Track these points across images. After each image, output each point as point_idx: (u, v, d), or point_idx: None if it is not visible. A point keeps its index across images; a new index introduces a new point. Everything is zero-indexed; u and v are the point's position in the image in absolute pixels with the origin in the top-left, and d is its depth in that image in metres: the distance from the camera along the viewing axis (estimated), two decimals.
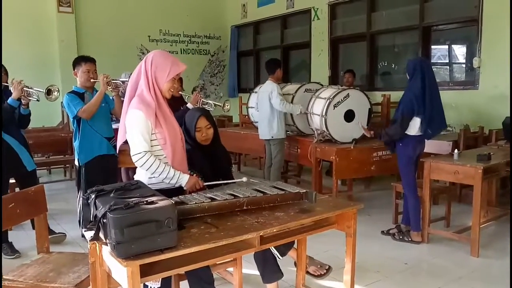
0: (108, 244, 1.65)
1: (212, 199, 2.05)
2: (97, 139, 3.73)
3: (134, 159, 2.22)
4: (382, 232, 4.07)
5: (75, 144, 3.78)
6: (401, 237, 3.90)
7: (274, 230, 1.94)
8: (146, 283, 2.29)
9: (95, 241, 1.80)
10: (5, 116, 3.46)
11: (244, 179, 2.41)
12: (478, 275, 3.27)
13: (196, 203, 2.00)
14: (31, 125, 6.52)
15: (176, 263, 1.78)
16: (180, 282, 2.58)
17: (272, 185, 2.30)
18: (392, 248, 3.75)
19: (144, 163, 2.21)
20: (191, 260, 1.82)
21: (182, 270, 1.93)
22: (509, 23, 4.98)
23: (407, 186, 3.84)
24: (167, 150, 2.32)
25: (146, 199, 1.70)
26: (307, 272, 2.77)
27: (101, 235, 1.74)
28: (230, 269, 2.90)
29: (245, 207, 2.11)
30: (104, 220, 1.64)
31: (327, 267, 2.80)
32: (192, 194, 2.20)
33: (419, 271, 3.33)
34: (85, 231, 1.86)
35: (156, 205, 1.65)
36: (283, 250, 2.57)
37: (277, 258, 2.59)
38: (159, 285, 2.31)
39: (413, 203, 3.82)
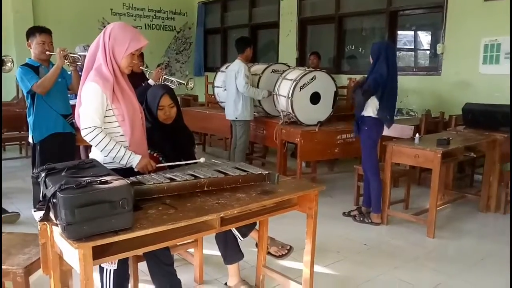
0: (59, 225, 1.57)
1: (172, 180, 1.99)
2: (52, 116, 3.54)
3: (83, 133, 2.12)
4: (344, 213, 4.13)
5: (29, 120, 3.58)
6: (361, 218, 3.97)
7: (235, 212, 1.90)
8: (102, 265, 2.22)
9: (46, 222, 1.71)
10: None
11: (202, 159, 2.35)
12: (433, 255, 3.39)
13: (154, 183, 1.93)
14: None
15: (133, 244, 1.71)
16: (139, 264, 2.52)
17: (234, 166, 2.25)
18: (353, 230, 3.82)
19: (93, 138, 2.11)
20: (149, 242, 1.76)
21: (139, 252, 1.87)
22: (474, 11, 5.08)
23: (371, 168, 3.89)
24: (125, 127, 2.22)
25: (100, 179, 1.61)
26: (268, 253, 2.76)
27: (52, 215, 1.65)
28: (191, 250, 2.87)
29: (206, 188, 2.05)
30: (54, 200, 1.55)
31: (288, 247, 2.81)
32: (151, 174, 2.12)
33: (377, 251, 3.40)
34: (34, 211, 1.76)
35: (110, 185, 1.57)
36: (245, 231, 2.55)
37: (238, 239, 2.57)
38: (116, 267, 2.25)
39: (376, 186, 3.88)
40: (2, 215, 3.83)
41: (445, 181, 4.55)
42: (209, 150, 7.29)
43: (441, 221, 3.91)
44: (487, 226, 4.00)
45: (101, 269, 2.26)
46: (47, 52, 3.53)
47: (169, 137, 2.53)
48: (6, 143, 6.74)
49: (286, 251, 2.78)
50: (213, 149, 7.33)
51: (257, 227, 2.66)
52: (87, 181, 1.58)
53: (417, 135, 3.84)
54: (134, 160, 2.21)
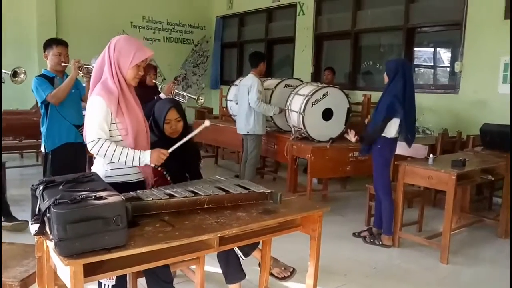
0: (52, 240, 1.54)
1: (171, 196, 1.96)
2: (65, 126, 3.58)
3: (89, 147, 2.11)
4: (354, 234, 4.03)
5: (42, 129, 3.62)
6: (372, 240, 3.86)
7: (233, 232, 1.85)
8: (100, 280, 2.19)
9: (41, 236, 1.69)
10: None
11: (207, 122, 2.36)
12: (446, 282, 3.25)
13: (153, 199, 1.90)
14: (3, 107, 6.40)
15: (129, 261, 1.68)
16: (138, 279, 2.48)
17: (237, 184, 2.21)
18: (362, 251, 3.71)
19: (99, 149, 2.08)
20: (145, 259, 1.73)
21: (133, 270, 1.83)
22: (493, 29, 4.98)
23: (383, 188, 3.80)
24: (128, 141, 2.21)
25: (95, 194, 1.59)
26: (271, 274, 2.69)
27: (48, 229, 1.63)
28: (193, 266, 2.82)
29: (206, 206, 2.01)
30: (48, 215, 1.53)
31: (291, 269, 2.73)
32: (152, 189, 2.09)
33: (387, 275, 3.29)
34: (31, 223, 1.74)
35: (104, 201, 1.55)
36: (247, 250, 2.49)
37: (240, 258, 2.51)
38: (114, 283, 2.21)
39: (387, 207, 3.78)
40: (12, 223, 3.86)
41: (462, 203, 4.40)
42: (221, 163, 7.27)
43: (455, 246, 3.77)
44: (504, 252, 3.82)
45: (99, 284, 2.22)
46: (63, 64, 3.59)
47: (174, 151, 2.50)
48: (23, 151, 6.86)
49: (289, 273, 2.71)
50: (225, 162, 7.31)
51: (260, 246, 2.60)
52: (82, 196, 1.56)
53: (431, 155, 3.73)
54: (146, 158, 2.16)
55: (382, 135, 3.68)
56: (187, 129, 2.61)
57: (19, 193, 4.72)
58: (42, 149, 3.66)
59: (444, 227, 3.53)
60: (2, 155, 5.64)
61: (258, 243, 2.54)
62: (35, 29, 7.58)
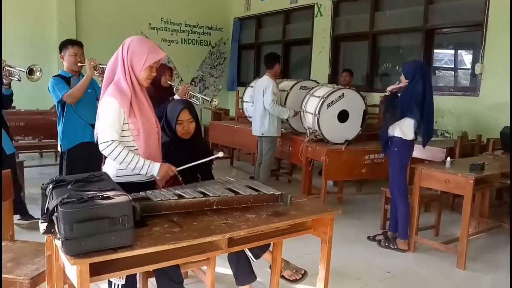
0: (59, 239, 1.55)
1: (180, 197, 1.95)
2: (81, 125, 3.62)
3: (101, 147, 2.12)
4: (368, 237, 3.97)
5: (59, 129, 3.68)
6: (387, 244, 3.79)
7: (242, 234, 1.83)
8: (111, 279, 2.20)
9: (50, 235, 1.70)
10: None
11: (220, 153, 2.44)
12: None
13: (161, 199, 1.89)
14: (25, 107, 6.54)
15: (136, 261, 1.68)
16: (149, 279, 2.48)
17: (247, 185, 2.19)
18: (377, 255, 3.65)
19: (111, 152, 2.10)
20: (153, 260, 1.72)
21: (141, 270, 1.84)
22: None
23: (399, 192, 3.73)
24: (139, 142, 2.21)
25: (102, 194, 1.59)
26: (282, 276, 2.66)
27: (57, 228, 1.64)
28: (204, 267, 2.81)
29: (215, 207, 2.00)
30: (56, 214, 1.54)
31: (302, 271, 2.70)
32: (161, 190, 2.09)
33: (401, 280, 3.22)
34: (41, 222, 1.76)
35: (111, 200, 1.55)
36: (257, 252, 2.47)
37: (251, 260, 2.49)
38: (124, 282, 2.22)
39: (403, 211, 3.71)
40: (28, 221, 3.92)
41: (481, 208, 4.29)
42: (237, 164, 7.27)
43: (473, 252, 3.67)
44: None
45: (110, 283, 2.23)
46: (79, 64, 3.64)
47: (186, 152, 2.50)
48: (43, 150, 6.99)
49: (301, 276, 2.68)
50: (241, 163, 7.30)
51: (270, 248, 2.57)
52: (89, 195, 1.56)
53: (448, 158, 3.65)
54: (154, 169, 2.19)
55: (399, 136, 3.62)
56: (199, 130, 2.61)
57: (37, 192, 4.75)
58: (59, 148, 3.71)
59: (461, 232, 3.44)
60: (21, 154, 5.78)
61: (269, 245, 2.51)
62: (55, 31, 7.71)
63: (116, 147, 2.11)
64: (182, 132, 2.51)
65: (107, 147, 2.11)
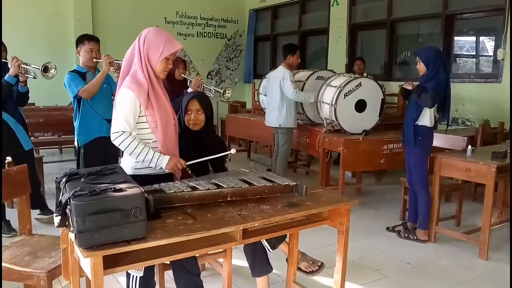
0: (73, 232, 1.56)
1: (194, 188, 1.93)
2: (97, 120, 3.65)
3: (112, 137, 2.13)
4: (387, 228, 3.91)
5: (75, 124, 3.71)
6: (406, 235, 3.72)
7: (256, 225, 1.81)
8: (129, 271, 2.21)
9: (64, 228, 1.71)
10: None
11: (233, 151, 2.37)
12: (484, 279, 3.09)
13: (175, 191, 1.89)
14: (44, 103, 6.64)
15: (151, 254, 1.67)
16: (166, 272, 2.49)
17: (261, 176, 2.17)
18: (396, 247, 3.59)
19: (121, 142, 2.11)
20: (169, 251, 1.72)
21: (155, 262, 1.83)
22: None
23: (421, 182, 3.64)
24: (157, 133, 2.21)
25: (115, 186, 1.58)
26: (299, 268, 2.64)
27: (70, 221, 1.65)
28: (221, 259, 2.80)
29: (229, 198, 1.98)
30: (69, 206, 1.54)
31: (319, 263, 2.66)
32: (175, 182, 2.08)
33: (421, 272, 3.16)
34: (55, 215, 1.77)
35: (123, 193, 1.54)
36: (274, 243, 2.44)
37: (267, 251, 2.47)
38: (142, 274, 2.23)
39: (424, 201, 3.63)
40: (48, 216, 3.97)
41: (504, 197, 4.18)
42: (254, 157, 7.25)
43: (496, 242, 3.58)
44: None
45: (128, 275, 2.25)
46: (94, 59, 3.65)
47: (194, 145, 2.47)
48: (62, 146, 7.10)
49: (317, 267, 2.64)
50: (258, 156, 7.28)
51: (287, 239, 2.55)
52: (102, 188, 1.56)
53: (469, 146, 3.55)
54: (163, 162, 2.18)
55: (423, 124, 3.53)
56: (211, 124, 2.57)
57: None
58: (75, 143, 3.75)
59: (483, 221, 3.36)
60: (41, 150, 5.88)
61: (285, 236, 2.49)
62: (72, 27, 7.79)
63: (126, 138, 2.11)
64: (189, 122, 2.44)
65: (117, 137, 2.12)
